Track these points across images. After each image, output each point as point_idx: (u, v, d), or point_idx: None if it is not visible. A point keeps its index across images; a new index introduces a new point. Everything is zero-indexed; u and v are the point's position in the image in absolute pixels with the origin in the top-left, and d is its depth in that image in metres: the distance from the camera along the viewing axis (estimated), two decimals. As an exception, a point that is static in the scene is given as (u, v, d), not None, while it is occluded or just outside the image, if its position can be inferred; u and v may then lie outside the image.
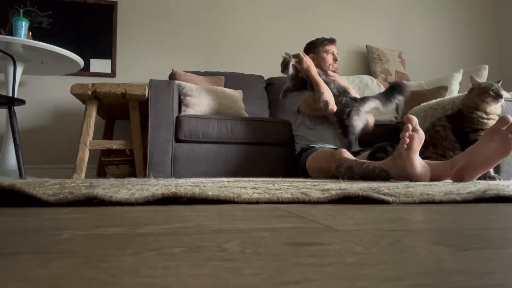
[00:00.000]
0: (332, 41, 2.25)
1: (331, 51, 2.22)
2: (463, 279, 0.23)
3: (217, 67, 3.06)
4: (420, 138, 1.31)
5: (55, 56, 2.29)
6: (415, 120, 1.31)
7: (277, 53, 3.25)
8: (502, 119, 1.26)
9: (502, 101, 1.65)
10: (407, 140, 1.29)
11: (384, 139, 2.18)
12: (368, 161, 1.52)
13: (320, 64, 2.19)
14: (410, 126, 1.29)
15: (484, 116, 1.65)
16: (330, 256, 0.28)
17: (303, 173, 1.96)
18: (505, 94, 1.67)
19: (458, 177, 1.34)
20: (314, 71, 2.03)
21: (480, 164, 1.31)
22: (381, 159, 1.52)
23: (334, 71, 2.21)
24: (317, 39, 2.27)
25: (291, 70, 2.04)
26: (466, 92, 1.78)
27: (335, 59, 2.23)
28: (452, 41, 3.59)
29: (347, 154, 1.69)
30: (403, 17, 3.54)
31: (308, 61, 2.03)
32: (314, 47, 2.26)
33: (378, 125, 2.24)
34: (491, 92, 1.64)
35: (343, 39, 3.33)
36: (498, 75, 3.59)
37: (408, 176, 1.34)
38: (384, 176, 1.40)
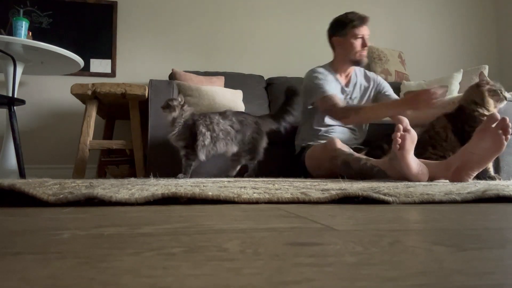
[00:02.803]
0: (363, 20, 1.88)
1: (361, 35, 1.88)
2: (463, 279, 0.23)
3: (217, 67, 3.06)
4: (412, 137, 1.32)
5: (55, 56, 2.29)
6: (405, 120, 1.32)
7: (277, 53, 3.26)
8: (491, 117, 1.29)
9: (503, 104, 1.65)
10: (399, 140, 1.30)
11: (385, 138, 2.17)
12: (364, 157, 1.52)
13: (346, 52, 1.90)
14: (401, 127, 1.30)
15: (486, 113, 1.63)
16: (330, 256, 0.28)
17: (304, 173, 1.95)
18: (507, 95, 1.67)
19: (456, 178, 1.35)
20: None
21: (475, 163, 1.33)
22: (379, 157, 1.53)
23: (360, 60, 1.92)
24: (346, 17, 1.88)
25: (176, 112, 1.82)
26: (469, 88, 1.72)
27: (364, 45, 1.89)
28: (452, 41, 3.59)
29: (339, 144, 1.64)
30: (403, 17, 3.54)
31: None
32: (341, 28, 1.89)
33: (379, 125, 2.24)
34: (500, 93, 1.63)
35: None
36: (498, 75, 3.59)
37: (406, 176, 1.35)
38: (382, 177, 1.40)
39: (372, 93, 2.08)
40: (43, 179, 1.03)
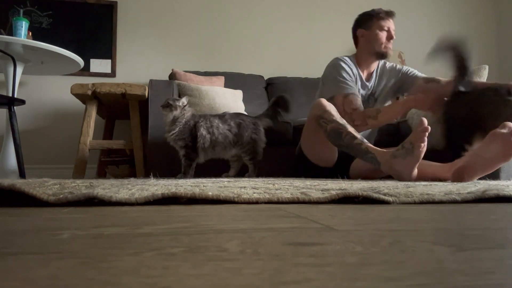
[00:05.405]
0: (389, 14, 1.91)
1: (386, 27, 1.90)
2: (463, 279, 0.23)
3: (217, 67, 3.06)
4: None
5: (55, 56, 2.29)
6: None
7: (277, 53, 3.26)
8: (504, 124, 1.28)
9: None
10: (426, 141, 1.29)
11: (385, 139, 2.18)
12: (359, 136, 1.50)
13: (371, 43, 1.89)
14: (428, 126, 1.29)
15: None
16: (330, 256, 0.28)
17: (305, 167, 1.89)
18: None
19: (457, 177, 1.35)
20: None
21: (480, 166, 1.32)
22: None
23: (385, 53, 1.90)
24: (373, 10, 1.92)
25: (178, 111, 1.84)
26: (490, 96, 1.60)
27: (390, 37, 1.90)
28: (452, 41, 3.59)
29: (329, 107, 1.58)
30: (403, 17, 3.53)
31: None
32: (366, 21, 1.91)
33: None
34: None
35: (344, 39, 3.33)
36: (498, 75, 3.59)
37: (401, 177, 1.35)
38: (373, 165, 1.41)
39: (391, 84, 1.98)
40: (43, 179, 1.03)
